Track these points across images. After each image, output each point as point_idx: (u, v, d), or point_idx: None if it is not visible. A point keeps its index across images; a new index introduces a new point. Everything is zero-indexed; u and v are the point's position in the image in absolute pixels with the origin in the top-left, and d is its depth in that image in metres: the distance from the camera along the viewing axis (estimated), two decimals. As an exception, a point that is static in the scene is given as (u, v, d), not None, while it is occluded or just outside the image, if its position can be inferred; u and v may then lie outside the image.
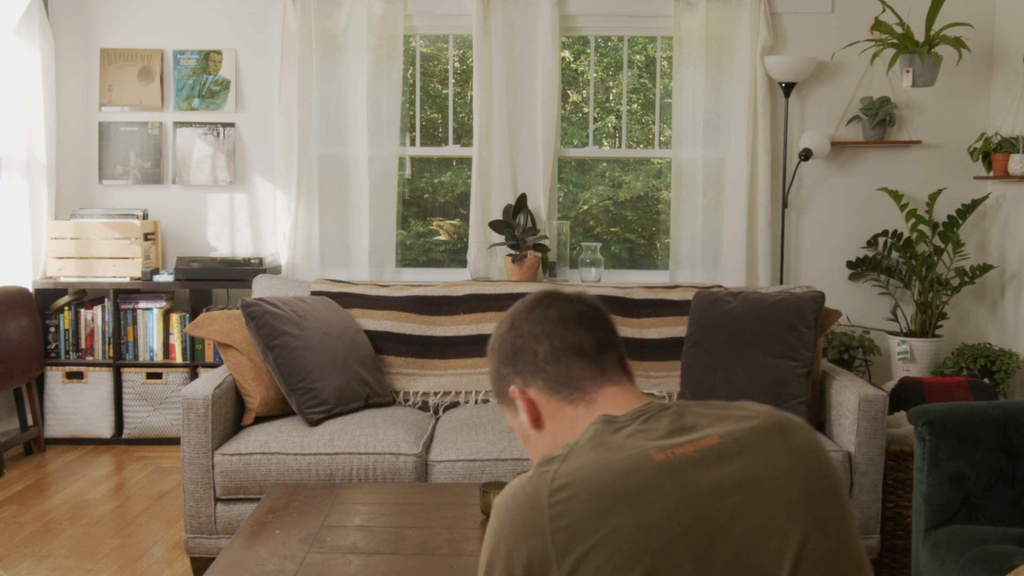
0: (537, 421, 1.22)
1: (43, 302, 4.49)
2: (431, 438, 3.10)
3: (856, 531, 1.09)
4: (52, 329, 4.45)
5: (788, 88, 4.46)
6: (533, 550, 1.03)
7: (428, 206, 5.03)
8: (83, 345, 4.46)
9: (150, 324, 4.46)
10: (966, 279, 4.40)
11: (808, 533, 1.02)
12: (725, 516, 1.01)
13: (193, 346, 4.44)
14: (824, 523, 1.04)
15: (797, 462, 1.07)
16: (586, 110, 4.89)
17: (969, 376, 4.01)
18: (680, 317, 3.52)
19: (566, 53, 4.90)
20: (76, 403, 4.42)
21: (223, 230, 4.74)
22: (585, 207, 5.05)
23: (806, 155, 4.47)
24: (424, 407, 3.42)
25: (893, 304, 4.67)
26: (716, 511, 1.01)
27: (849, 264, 4.69)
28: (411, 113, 4.78)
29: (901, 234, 4.54)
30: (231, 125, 4.68)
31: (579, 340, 1.21)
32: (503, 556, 1.05)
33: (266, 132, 4.69)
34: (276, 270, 4.62)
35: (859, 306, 4.73)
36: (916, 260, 4.41)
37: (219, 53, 4.66)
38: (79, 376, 4.43)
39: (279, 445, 2.93)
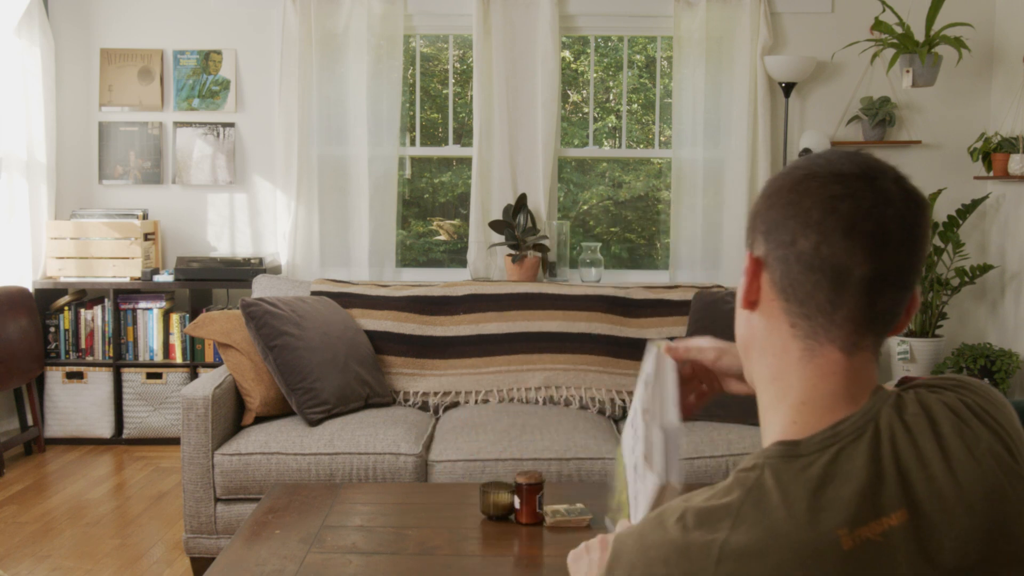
0: (753, 304, 0.95)
1: (43, 302, 4.49)
2: (431, 438, 3.10)
3: None
4: (52, 329, 4.45)
5: (788, 88, 4.46)
6: None
7: (428, 206, 5.03)
8: (83, 345, 4.46)
9: (150, 324, 4.46)
10: (966, 279, 4.40)
11: None
12: None
13: (193, 346, 4.44)
14: None
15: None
16: (586, 110, 4.89)
17: (969, 376, 4.01)
18: (680, 317, 3.52)
19: (566, 53, 4.90)
20: (76, 403, 4.42)
21: (223, 230, 4.74)
22: (585, 207, 5.05)
23: (806, 155, 4.46)
24: (424, 407, 3.42)
25: (893, 304, 4.66)
26: None
27: (849, 264, 4.68)
28: (411, 113, 4.78)
29: (901, 234, 4.53)
30: (231, 125, 4.68)
31: (851, 264, 0.86)
32: None
33: (266, 132, 4.69)
34: (276, 270, 4.62)
35: (859, 306, 4.72)
36: (916, 260, 4.41)
37: (219, 53, 4.66)
38: (79, 376, 4.43)
39: (279, 445, 2.93)
